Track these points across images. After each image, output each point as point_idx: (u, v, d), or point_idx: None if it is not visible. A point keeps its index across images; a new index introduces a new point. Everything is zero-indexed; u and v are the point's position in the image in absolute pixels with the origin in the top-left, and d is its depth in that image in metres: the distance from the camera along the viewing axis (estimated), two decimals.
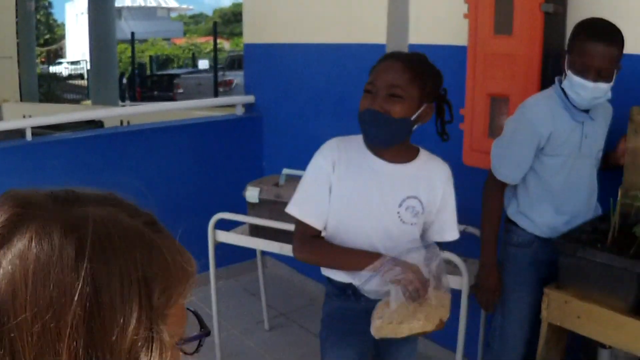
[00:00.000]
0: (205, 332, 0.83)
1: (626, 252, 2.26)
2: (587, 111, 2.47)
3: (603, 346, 2.40)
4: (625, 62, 2.64)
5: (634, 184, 2.58)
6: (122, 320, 0.67)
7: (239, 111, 4.76)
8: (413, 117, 2.13)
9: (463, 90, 2.97)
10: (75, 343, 0.65)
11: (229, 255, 3.85)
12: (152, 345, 0.70)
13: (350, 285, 2.24)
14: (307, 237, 2.21)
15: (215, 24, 22.90)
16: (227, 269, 4.42)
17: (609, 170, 2.70)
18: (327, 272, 2.31)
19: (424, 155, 2.28)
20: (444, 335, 3.47)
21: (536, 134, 2.46)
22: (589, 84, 2.32)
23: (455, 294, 2.79)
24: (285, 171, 3.43)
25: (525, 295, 2.63)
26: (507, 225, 2.67)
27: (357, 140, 2.20)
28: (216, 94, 18.42)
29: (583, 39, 2.34)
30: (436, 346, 3.64)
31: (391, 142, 2.15)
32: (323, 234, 2.24)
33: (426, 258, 2.10)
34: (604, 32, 2.33)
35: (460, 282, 2.77)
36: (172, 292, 0.74)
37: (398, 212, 2.18)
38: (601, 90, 2.34)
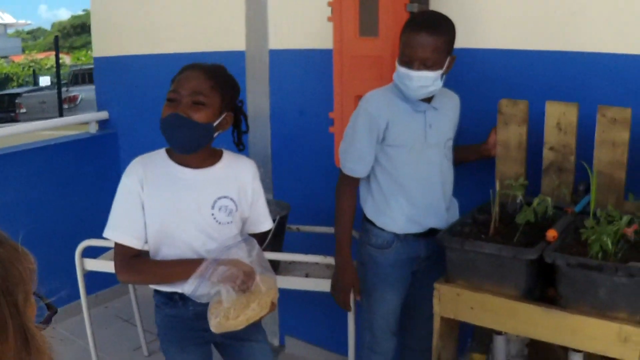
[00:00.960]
0: (53, 311, 0.94)
1: (510, 240, 2.33)
2: (429, 101, 2.54)
3: (498, 333, 2.45)
4: (490, 57, 2.75)
5: (506, 174, 2.66)
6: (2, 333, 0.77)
7: (93, 128, 4.48)
8: (215, 124, 2.20)
9: (331, 93, 2.96)
10: None
11: (97, 280, 3.63)
12: (28, 343, 0.80)
13: (176, 292, 2.28)
14: (127, 258, 2.23)
15: (56, 38, 21.69)
16: (95, 296, 4.17)
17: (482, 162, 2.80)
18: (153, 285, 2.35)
19: (227, 156, 2.35)
20: (325, 338, 3.52)
21: (374, 125, 2.51)
22: (413, 74, 2.40)
23: None
24: None
25: (388, 292, 2.70)
26: (365, 225, 2.70)
27: (160, 154, 2.28)
28: (61, 111, 17.54)
29: (406, 31, 2.43)
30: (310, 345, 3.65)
31: (196, 147, 2.21)
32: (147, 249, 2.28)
33: (247, 250, 2.20)
34: (425, 23, 2.42)
35: None
36: (29, 293, 0.84)
37: (212, 214, 2.25)
38: (427, 78, 2.41)
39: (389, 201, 2.62)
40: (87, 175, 4.25)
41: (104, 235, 2.24)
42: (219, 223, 2.26)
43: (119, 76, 4.37)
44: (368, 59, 2.73)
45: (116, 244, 2.23)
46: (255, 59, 3.31)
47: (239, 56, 3.36)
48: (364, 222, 2.72)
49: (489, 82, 2.79)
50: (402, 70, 2.43)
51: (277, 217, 2.89)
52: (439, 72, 2.43)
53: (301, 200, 3.14)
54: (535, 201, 2.38)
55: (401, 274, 2.70)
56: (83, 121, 4.69)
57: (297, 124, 3.28)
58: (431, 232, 2.64)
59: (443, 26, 2.44)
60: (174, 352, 2.36)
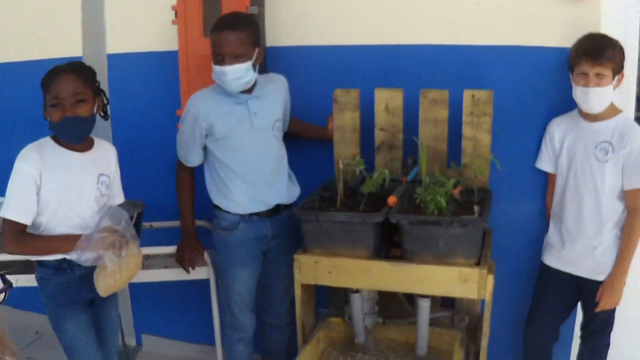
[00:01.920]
0: (7, 285, 1.00)
1: (357, 209, 2.60)
2: (251, 91, 2.78)
3: (354, 291, 2.71)
4: (324, 52, 3.03)
5: (344, 154, 2.94)
6: None
7: None
8: (95, 112, 2.52)
9: (175, 93, 3.08)
10: None
11: None
12: None
13: (64, 259, 2.52)
14: (17, 232, 2.43)
15: None
16: None
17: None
18: (36, 257, 2.58)
19: (96, 141, 2.65)
20: (185, 330, 3.59)
21: (197, 123, 2.76)
22: (226, 68, 2.64)
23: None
24: None
25: (239, 271, 2.91)
26: (214, 210, 2.90)
27: (49, 143, 2.51)
28: None
29: (213, 33, 2.68)
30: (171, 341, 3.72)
31: (86, 137, 2.53)
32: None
33: (115, 218, 2.52)
34: (226, 22, 2.67)
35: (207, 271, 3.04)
36: None
37: (98, 188, 2.58)
38: (239, 70, 2.66)
39: (229, 186, 2.82)
40: None
41: (1, 215, 2.44)
42: (102, 195, 2.60)
43: None
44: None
45: (8, 221, 2.42)
46: (93, 64, 3.29)
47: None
48: (213, 209, 2.90)
49: (324, 75, 3.06)
50: (216, 68, 2.66)
51: (135, 215, 2.96)
52: (249, 62, 2.66)
53: (152, 198, 3.19)
54: (375, 174, 2.69)
55: (250, 252, 2.90)
56: None
57: (139, 124, 3.34)
58: (275, 211, 2.89)
59: (243, 22, 2.67)
60: (66, 313, 2.56)
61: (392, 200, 2.57)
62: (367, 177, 2.70)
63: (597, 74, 2.53)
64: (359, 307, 2.74)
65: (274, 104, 2.87)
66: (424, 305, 2.63)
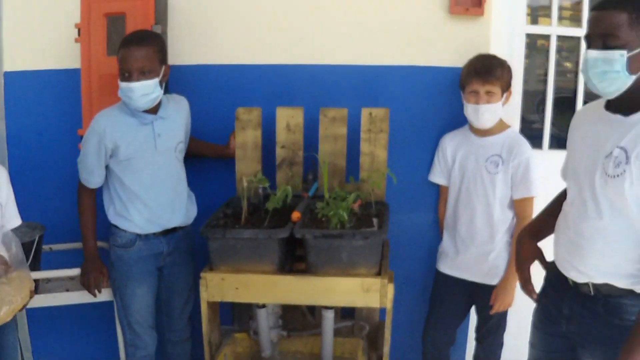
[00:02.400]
0: None
1: (262, 225, 2.65)
2: (156, 112, 2.77)
3: (260, 306, 2.75)
4: (227, 71, 3.07)
5: (246, 171, 2.98)
6: None
7: None
8: None
9: (79, 111, 3.04)
10: None
11: None
12: None
13: None
14: None
15: None
16: None
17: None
18: None
19: None
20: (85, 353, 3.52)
21: (102, 144, 2.70)
22: (134, 85, 2.60)
23: None
24: None
25: (137, 288, 2.88)
26: (111, 229, 2.87)
27: None
28: None
29: (120, 50, 2.64)
30: None
31: None
32: None
33: (5, 243, 2.37)
34: (133, 38, 2.66)
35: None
36: None
37: None
38: (148, 86, 2.64)
39: (127, 207, 2.80)
40: None
41: None
42: None
43: None
44: (116, 77, 2.83)
45: None
46: None
47: None
48: (110, 227, 2.86)
49: (226, 93, 3.09)
50: (123, 85, 2.62)
51: (36, 238, 2.90)
52: (156, 79, 2.66)
53: (51, 220, 3.12)
54: (279, 190, 2.75)
55: (147, 269, 2.88)
56: None
57: (37, 144, 3.24)
58: (171, 230, 2.89)
59: (149, 39, 2.67)
60: None
61: (295, 215, 2.64)
62: (272, 194, 2.75)
63: (488, 92, 2.72)
64: (264, 321, 2.78)
65: (177, 125, 2.87)
66: (329, 317, 2.70)
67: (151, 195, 2.80)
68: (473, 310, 3.03)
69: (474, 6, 2.88)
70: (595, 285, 1.98)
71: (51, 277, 3.05)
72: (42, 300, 2.96)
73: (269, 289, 2.59)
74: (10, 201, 2.57)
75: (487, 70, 2.72)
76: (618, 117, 1.92)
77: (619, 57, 1.82)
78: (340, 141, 2.91)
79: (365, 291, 2.53)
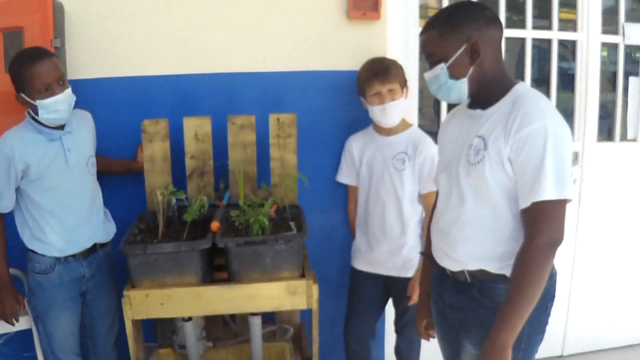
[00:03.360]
0: None
1: (181, 238, 2.59)
2: (63, 127, 2.66)
3: (186, 320, 2.69)
4: (130, 83, 2.98)
5: (155, 184, 2.91)
6: None
7: None
8: None
9: None
10: None
11: None
12: None
13: None
14: None
15: None
16: None
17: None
18: None
19: None
20: None
21: (11, 166, 2.56)
22: (59, 97, 2.51)
23: None
24: None
25: (59, 314, 2.75)
26: (28, 254, 2.72)
27: None
28: None
29: (26, 67, 2.49)
30: None
31: None
32: None
33: None
34: (36, 53, 2.52)
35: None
36: None
37: None
38: (70, 95, 2.56)
39: (43, 228, 2.66)
40: None
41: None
42: None
43: None
44: (13, 96, 2.66)
45: None
46: None
47: None
48: (27, 252, 2.71)
49: (131, 106, 2.99)
50: (47, 101, 2.49)
51: None
52: (70, 87, 2.57)
53: None
54: (195, 201, 2.70)
55: (69, 294, 2.75)
56: None
57: None
58: (91, 251, 2.77)
59: (48, 51, 2.57)
60: None
61: (215, 225, 2.60)
62: (189, 206, 2.71)
63: (390, 90, 2.80)
64: (192, 334, 2.73)
65: (86, 139, 2.76)
66: (256, 323, 2.70)
67: (67, 212, 2.67)
68: (390, 303, 3.11)
69: (371, 10, 2.96)
70: (470, 272, 2.08)
71: None
72: None
73: (195, 301, 2.54)
74: None
75: (384, 70, 2.81)
76: (478, 111, 2.05)
77: (441, 70, 1.98)
78: (250, 148, 2.91)
79: (291, 294, 2.54)
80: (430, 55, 2.00)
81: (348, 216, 3.13)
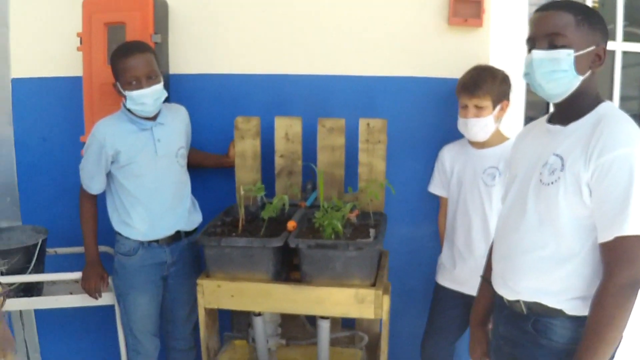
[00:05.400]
0: (6, 290, 1.10)
1: (258, 234, 2.57)
2: (155, 118, 2.71)
3: (256, 315, 2.66)
4: (227, 81, 3.00)
5: (245, 180, 2.92)
6: None
7: None
8: None
9: (81, 118, 2.98)
10: None
11: None
12: None
13: None
14: None
15: None
16: None
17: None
18: None
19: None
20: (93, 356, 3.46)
21: (102, 151, 2.66)
22: (146, 91, 2.57)
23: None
24: None
25: (139, 296, 2.82)
26: (115, 236, 2.81)
27: None
28: None
29: (120, 60, 2.59)
30: None
31: None
32: None
33: None
34: (132, 47, 2.60)
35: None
36: None
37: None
38: (157, 91, 2.61)
39: (129, 213, 2.74)
40: None
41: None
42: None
43: None
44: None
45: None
46: None
47: None
48: (115, 234, 2.81)
49: (226, 103, 3.02)
50: (135, 93, 2.57)
51: (39, 241, 2.85)
52: (161, 83, 2.63)
53: (55, 224, 3.08)
54: (275, 199, 2.67)
55: (149, 278, 2.81)
56: None
57: (42, 150, 3.20)
58: (175, 238, 2.82)
59: (145, 45, 2.64)
60: None
61: (291, 225, 2.56)
62: (267, 203, 2.67)
63: (476, 106, 2.60)
64: (261, 329, 2.69)
65: (177, 131, 2.81)
66: (324, 326, 2.60)
67: (153, 199, 2.74)
68: None
69: (473, 17, 2.77)
70: (526, 304, 1.88)
71: (55, 280, 3.00)
72: (46, 303, 2.93)
73: (264, 298, 2.50)
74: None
75: (474, 83, 2.61)
76: (557, 127, 1.84)
77: (566, 56, 1.75)
78: (338, 151, 2.83)
79: (359, 302, 2.43)
80: (554, 35, 1.76)
81: (438, 228, 2.97)
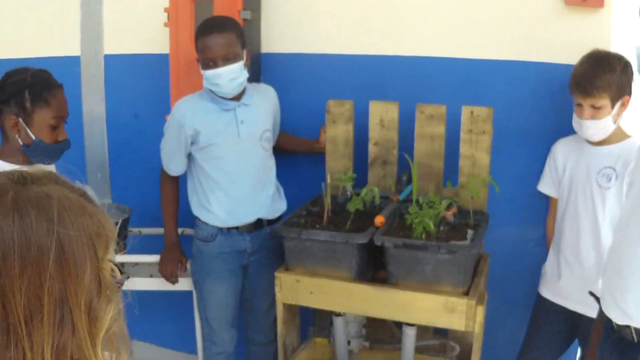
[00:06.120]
0: (126, 275, 1.09)
1: (343, 228, 2.35)
2: (239, 99, 2.54)
3: (337, 314, 2.45)
4: (319, 61, 2.77)
5: (336, 168, 2.69)
6: (81, 269, 0.87)
7: None
8: None
9: (168, 96, 2.86)
10: (52, 289, 0.84)
11: None
12: (100, 286, 0.91)
13: None
14: None
15: None
16: None
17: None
18: None
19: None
20: (173, 338, 3.38)
21: (182, 131, 2.53)
22: (220, 70, 2.41)
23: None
24: None
25: (216, 284, 2.68)
26: (195, 220, 2.68)
27: None
28: None
29: (199, 39, 2.45)
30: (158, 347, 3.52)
31: None
32: None
33: None
34: (212, 25, 2.45)
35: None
36: (107, 248, 0.95)
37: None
38: (234, 71, 2.44)
39: (208, 197, 2.61)
40: None
41: None
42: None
43: None
44: None
45: None
46: (90, 64, 3.12)
47: (73, 61, 3.16)
48: (194, 218, 2.69)
49: (318, 84, 2.81)
50: (209, 73, 2.44)
51: (120, 221, 2.76)
52: (241, 62, 2.46)
53: (142, 203, 2.99)
54: (364, 191, 2.43)
55: (227, 266, 2.67)
56: None
57: (132, 127, 3.13)
58: (256, 226, 2.65)
59: (228, 24, 2.46)
60: None
61: (379, 220, 2.31)
62: (354, 194, 2.44)
63: (592, 106, 2.23)
64: (341, 330, 2.48)
65: (264, 113, 2.63)
66: (410, 334, 2.36)
67: (233, 184, 2.58)
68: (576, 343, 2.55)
69: None
70: (637, 331, 1.60)
71: (137, 262, 2.91)
72: (126, 284, 2.80)
73: (344, 297, 2.29)
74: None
75: (589, 81, 2.21)
76: None
77: None
78: (438, 141, 2.54)
79: (449, 311, 2.16)
80: None
81: (546, 233, 2.62)
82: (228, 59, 2.41)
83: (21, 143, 2.06)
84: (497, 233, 2.57)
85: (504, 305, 2.69)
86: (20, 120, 2.04)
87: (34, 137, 2.04)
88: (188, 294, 2.89)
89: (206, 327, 2.76)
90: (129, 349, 1.17)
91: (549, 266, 2.51)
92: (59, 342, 0.86)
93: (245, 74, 2.48)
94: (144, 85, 3.06)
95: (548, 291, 2.50)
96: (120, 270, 1.06)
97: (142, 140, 3.11)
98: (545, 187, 2.55)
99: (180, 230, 2.80)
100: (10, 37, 3.38)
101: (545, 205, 2.60)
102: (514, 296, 2.72)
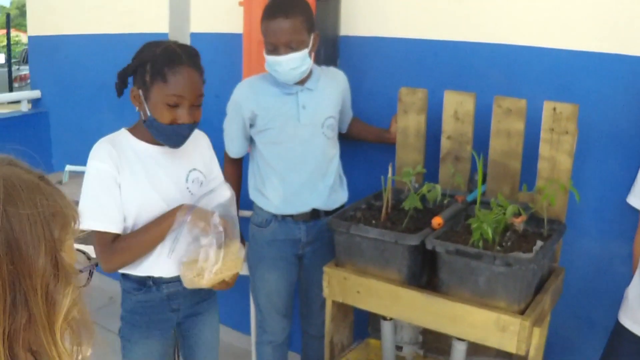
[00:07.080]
0: (93, 264, 1.01)
1: (398, 226, 2.15)
2: (303, 82, 2.40)
3: (384, 318, 2.28)
4: (393, 45, 2.57)
5: (405, 161, 2.50)
6: (34, 249, 0.83)
7: (25, 107, 4.22)
8: None
9: (240, 75, 2.77)
10: (1, 272, 0.80)
11: None
12: (57, 268, 0.87)
13: (150, 277, 2.05)
14: (109, 244, 1.94)
15: (8, 15, 20.50)
16: None
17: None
18: (123, 269, 2.04)
19: None
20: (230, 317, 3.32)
21: (240, 112, 2.45)
22: (281, 58, 2.29)
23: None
24: (69, 168, 3.08)
25: (267, 271, 2.58)
26: (252, 205, 2.60)
27: (124, 135, 2.00)
28: (11, 89, 16.56)
29: (264, 21, 2.31)
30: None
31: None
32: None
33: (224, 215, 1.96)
34: (278, 8, 2.29)
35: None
36: (66, 230, 0.90)
37: (187, 188, 2.04)
38: (295, 60, 2.29)
39: (265, 182, 2.51)
40: (16, 154, 3.97)
41: (84, 227, 1.65)
42: (193, 195, 2.03)
43: (51, 55, 4.10)
44: None
45: (97, 233, 1.92)
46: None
47: (161, 38, 3.14)
48: (252, 202, 2.60)
49: (391, 70, 2.61)
50: (270, 58, 2.32)
51: None
52: (305, 50, 2.31)
53: None
54: (425, 188, 2.22)
55: (280, 254, 2.56)
56: (15, 99, 4.40)
57: (215, 107, 3.06)
58: (313, 216, 2.53)
59: (296, 7, 2.30)
60: (137, 337, 2.09)
61: (437, 221, 2.10)
62: (412, 191, 2.23)
63: None
64: (389, 336, 2.30)
65: (328, 99, 2.47)
66: (459, 349, 2.13)
67: (290, 171, 2.46)
68: None
69: None
70: None
71: None
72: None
73: (392, 301, 2.11)
74: (216, 169, 2.22)
75: None
76: None
77: None
78: (515, 139, 2.26)
79: (500, 330, 1.91)
80: None
81: (633, 252, 2.27)
82: (291, 47, 2.27)
83: (142, 119, 1.96)
84: (574, 246, 2.27)
85: (576, 328, 2.38)
86: (141, 93, 1.91)
87: (149, 114, 1.91)
88: (243, 278, 2.80)
89: (258, 313, 2.68)
90: (92, 337, 1.07)
91: (632, 291, 2.16)
92: (10, 329, 0.83)
93: (308, 63, 2.33)
94: (225, 65, 2.99)
95: (628, 319, 2.15)
96: (88, 258, 1.02)
97: (222, 121, 3.06)
98: (635, 200, 2.20)
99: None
100: (108, 14, 3.43)
101: (635, 221, 2.24)
102: (589, 319, 2.40)
